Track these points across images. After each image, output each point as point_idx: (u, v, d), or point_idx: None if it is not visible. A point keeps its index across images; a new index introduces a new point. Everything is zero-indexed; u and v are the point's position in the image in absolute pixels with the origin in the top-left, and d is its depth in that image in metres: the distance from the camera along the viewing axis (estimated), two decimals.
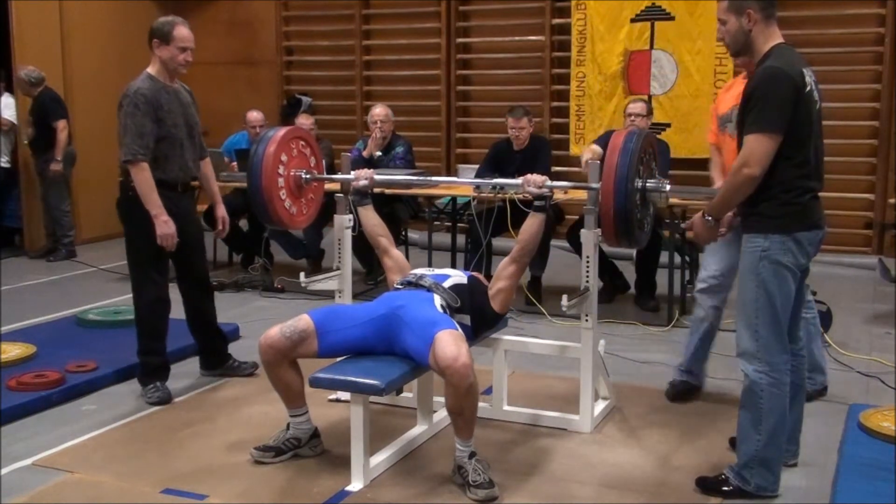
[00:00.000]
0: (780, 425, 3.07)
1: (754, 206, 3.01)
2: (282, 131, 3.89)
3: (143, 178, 4.02)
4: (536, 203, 3.64)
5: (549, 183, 3.60)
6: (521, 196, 5.49)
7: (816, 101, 3.05)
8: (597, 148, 5.41)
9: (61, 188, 7.67)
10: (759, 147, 2.90)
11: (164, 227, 4.05)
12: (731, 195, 3.05)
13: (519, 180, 3.68)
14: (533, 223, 3.64)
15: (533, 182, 3.61)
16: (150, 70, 4.16)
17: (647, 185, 3.49)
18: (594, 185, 3.60)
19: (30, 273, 7.25)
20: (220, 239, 4.80)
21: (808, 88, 2.98)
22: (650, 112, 6.02)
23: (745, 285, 3.05)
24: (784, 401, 3.07)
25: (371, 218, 3.96)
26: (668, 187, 3.51)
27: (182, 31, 4.12)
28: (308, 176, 3.96)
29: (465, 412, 3.16)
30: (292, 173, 3.91)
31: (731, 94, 3.96)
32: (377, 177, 3.98)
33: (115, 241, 8.16)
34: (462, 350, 3.09)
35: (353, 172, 3.99)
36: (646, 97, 7.64)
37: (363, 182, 3.92)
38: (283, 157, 3.84)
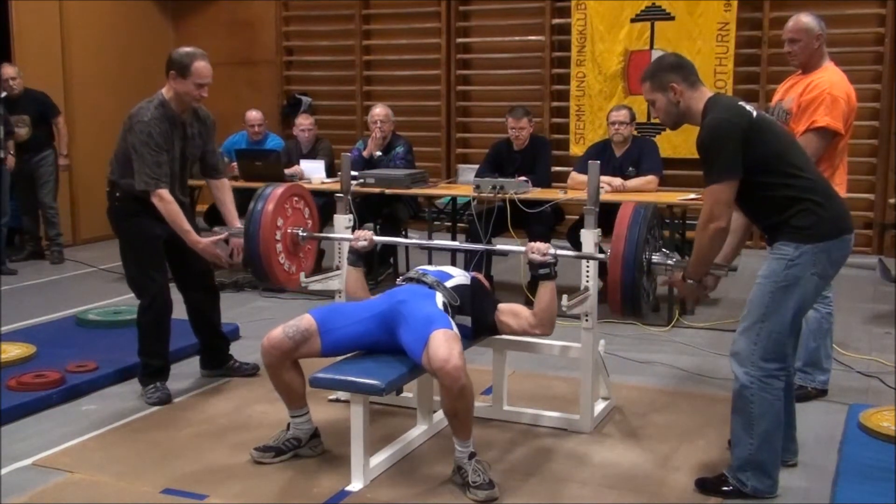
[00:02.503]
0: (772, 429, 3.06)
1: (786, 222, 2.99)
2: (279, 189, 3.84)
3: (168, 209, 4.00)
4: (541, 271, 3.52)
5: (552, 251, 3.56)
6: (522, 196, 5.53)
7: (774, 116, 3.08)
8: (581, 178, 5.41)
9: (55, 187, 7.66)
10: (719, 198, 2.94)
11: (205, 248, 4.06)
12: (705, 252, 3.07)
13: (522, 247, 3.64)
14: (544, 293, 3.54)
15: (536, 249, 3.52)
16: (165, 94, 4.07)
17: (654, 258, 3.49)
18: (600, 256, 3.59)
19: (30, 273, 7.25)
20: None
21: (755, 115, 3.01)
22: (633, 118, 6.02)
23: (761, 289, 3.04)
24: (777, 405, 3.05)
25: (357, 279, 3.81)
26: (673, 261, 3.51)
27: (201, 67, 4.00)
28: (305, 234, 3.94)
29: (459, 413, 3.15)
30: (289, 231, 3.90)
31: (784, 88, 4.11)
32: (377, 238, 3.87)
33: (115, 241, 8.12)
34: (454, 352, 3.07)
35: (354, 232, 3.87)
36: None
37: (362, 243, 3.77)
38: (280, 222, 3.82)
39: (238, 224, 4.22)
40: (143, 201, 4.05)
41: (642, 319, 3.62)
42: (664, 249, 3.55)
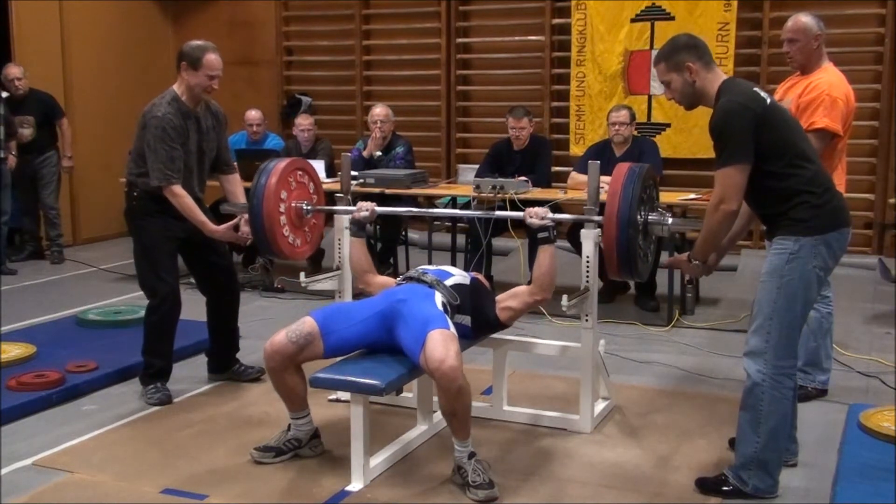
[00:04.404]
0: (779, 428, 3.07)
1: (784, 215, 3.00)
2: (282, 163, 3.83)
3: (182, 203, 4.03)
4: (541, 235, 3.58)
5: (550, 215, 3.58)
6: (522, 196, 5.53)
7: (784, 108, 3.09)
8: (581, 178, 5.45)
9: (57, 188, 7.67)
10: (730, 181, 2.95)
11: (223, 235, 4.11)
12: (713, 234, 3.08)
13: (521, 213, 3.66)
14: (543, 257, 3.60)
15: (535, 214, 3.57)
16: (177, 90, 4.11)
17: (650, 218, 3.49)
18: (596, 219, 3.60)
19: (30, 273, 7.25)
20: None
21: (769, 101, 3.02)
22: (633, 118, 6.02)
23: (766, 286, 3.04)
24: (785, 405, 3.06)
25: (359, 251, 3.86)
26: (669, 220, 3.51)
27: (212, 59, 4.05)
28: (309, 207, 3.94)
29: (457, 413, 3.15)
30: (293, 205, 3.89)
31: (784, 88, 4.13)
32: (379, 209, 3.92)
33: (115, 241, 8.21)
34: (450, 352, 3.08)
35: (356, 203, 3.92)
36: (644, 97, 7.66)
37: (364, 214, 3.83)
38: (283, 194, 3.82)
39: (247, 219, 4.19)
40: (161, 200, 4.07)
41: (640, 279, 3.59)
42: (660, 209, 3.55)
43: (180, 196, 4.03)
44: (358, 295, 4.09)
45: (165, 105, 4.05)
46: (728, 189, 2.95)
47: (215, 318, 4.45)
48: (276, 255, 3.94)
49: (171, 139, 4.00)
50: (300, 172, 3.96)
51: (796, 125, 3.16)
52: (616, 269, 3.46)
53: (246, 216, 4.06)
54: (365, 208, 3.84)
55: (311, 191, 4.01)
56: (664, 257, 5.67)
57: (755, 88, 3.05)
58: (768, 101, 3.02)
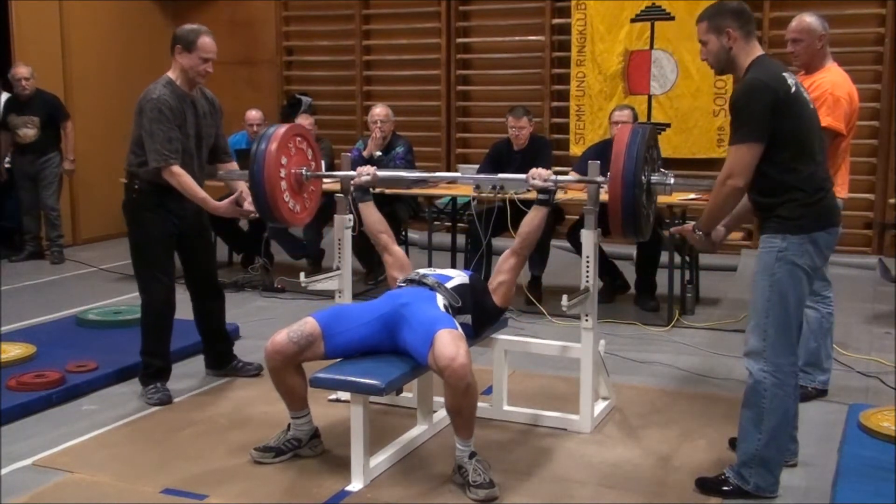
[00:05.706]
0: (781, 426, 3.07)
1: (773, 210, 3.02)
2: (282, 129, 3.84)
3: (182, 182, 4.01)
4: (540, 196, 3.64)
5: (553, 177, 3.60)
6: (522, 196, 5.53)
7: (807, 101, 3.08)
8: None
9: (58, 189, 7.67)
10: (741, 158, 2.96)
11: (226, 210, 4.12)
12: (719, 208, 3.11)
13: (523, 175, 3.69)
14: (535, 216, 3.67)
15: (538, 175, 3.63)
16: (171, 75, 4.12)
17: (653, 178, 3.49)
18: (599, 179, 3.60)
19: (30, 273, 7.25)
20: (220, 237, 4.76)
21: (793, 90, 3.01)
22: (636, 119, 6.02)
23: (759, 285, 3.05)
24: (787, 402, 3.06)
25: (372, 214, 3.96)
26: (671, 180, 3.52)
27: (206, 42, 4.08)
28: (309, 173, 3.95)
29: (463, 412, 3.16)
30: (293, 171, 3.89)
31: None
32: (380, 173, 3.97)
33: (115, 241, 8.20)
34: (460, 350, 3.09)
35: (356, 169, 3.96)
36: (643, 97, 7.66)
37: (365, 178, 3.91)
38: (283, 160, 3.82)
39: (248, 197, 4.12)
40: (161, 194, 4.05)
41: (643, 238, 3.58)
42: (662, 170, 3.56)
43: (179, 175, 4.00)
44: (357, 296, 4.09)
45: (161, 88, 4.05)
46: (737, 166, 2.96)
47: (202, 317, 4.46)
48: (276, 220, 3.93)
49: (168, 119, 4.00)
50: (299, 138, 3.95)
51: (812, 119, 3.11)
52: (620, 229, 3.46)
53: (248, 193, 4.04)
54: (366, 172, 3.91)
55: (310, 157, 4.01)
56: (664, 257, 5.72)
57: (784, 73, 3.04)
58: (793, 89, 3.00)
